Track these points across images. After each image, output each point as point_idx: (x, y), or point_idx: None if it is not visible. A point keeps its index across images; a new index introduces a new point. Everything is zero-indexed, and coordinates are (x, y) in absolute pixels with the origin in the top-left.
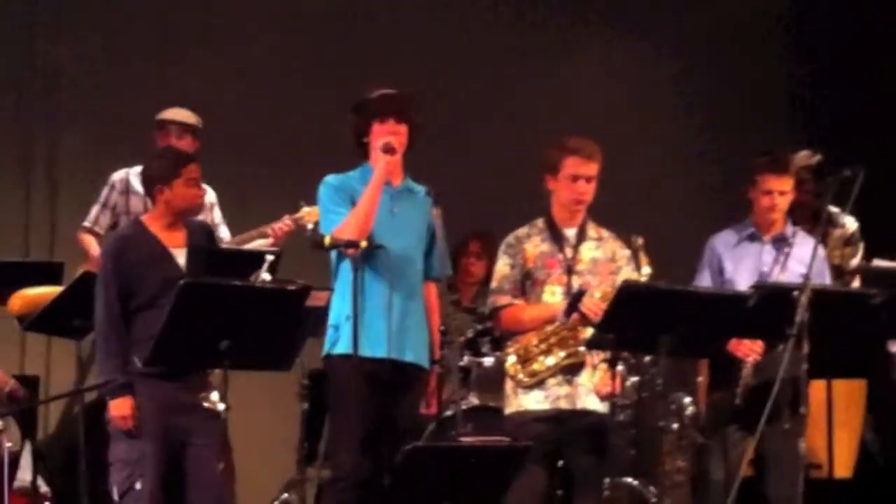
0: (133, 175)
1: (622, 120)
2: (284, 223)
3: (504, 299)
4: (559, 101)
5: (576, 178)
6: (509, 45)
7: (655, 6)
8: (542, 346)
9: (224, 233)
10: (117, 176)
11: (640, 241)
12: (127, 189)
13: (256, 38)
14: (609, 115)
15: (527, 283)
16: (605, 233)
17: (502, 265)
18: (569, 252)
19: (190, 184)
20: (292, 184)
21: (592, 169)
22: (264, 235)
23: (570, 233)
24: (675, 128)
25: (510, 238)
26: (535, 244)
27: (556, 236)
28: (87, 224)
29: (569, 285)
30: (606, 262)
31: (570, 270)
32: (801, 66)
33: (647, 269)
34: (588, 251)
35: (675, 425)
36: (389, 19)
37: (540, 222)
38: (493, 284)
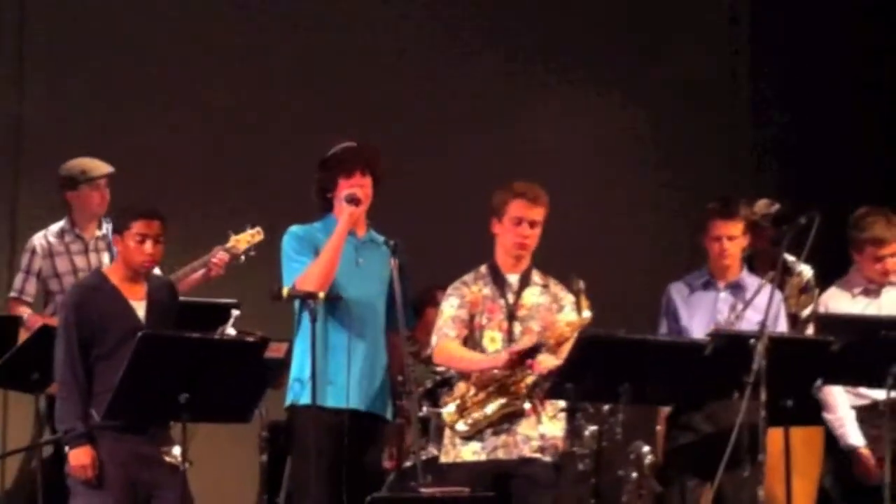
0: (51, 235)
1: (586, 169)
2: (220, 256)
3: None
4: (523, 149)
5: (520, 222)
6: (475, 94)
7: (619, 57)
8: (481, 396)
9: None
10: (37, 240)
11: (581, 283)
12: (50, 252)
13: (222, 88)
14: (572, 164)
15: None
16: (550, 280)
17: (447, 306)
18: (511, 297)
19: (138, 239)
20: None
21: (537, 213)
22: (203, 268)
23: (513, 278)
24: (638, 177)
25: (455, 283)
26: (478, 288)
27: (498, 281)
28: (13, 294)
29: (510, 331)
30: (549, 308)
31: (511, 316)
32: (762, 115)
33: (587, 313)
34: (531, 297)
35: (635, 475)
36: (351, 71)
37: (483, 268)
38: (438, 324)
